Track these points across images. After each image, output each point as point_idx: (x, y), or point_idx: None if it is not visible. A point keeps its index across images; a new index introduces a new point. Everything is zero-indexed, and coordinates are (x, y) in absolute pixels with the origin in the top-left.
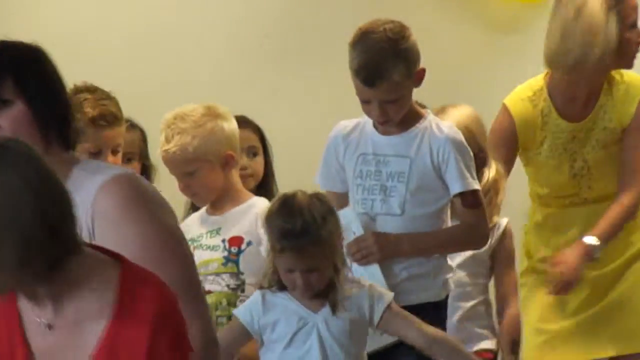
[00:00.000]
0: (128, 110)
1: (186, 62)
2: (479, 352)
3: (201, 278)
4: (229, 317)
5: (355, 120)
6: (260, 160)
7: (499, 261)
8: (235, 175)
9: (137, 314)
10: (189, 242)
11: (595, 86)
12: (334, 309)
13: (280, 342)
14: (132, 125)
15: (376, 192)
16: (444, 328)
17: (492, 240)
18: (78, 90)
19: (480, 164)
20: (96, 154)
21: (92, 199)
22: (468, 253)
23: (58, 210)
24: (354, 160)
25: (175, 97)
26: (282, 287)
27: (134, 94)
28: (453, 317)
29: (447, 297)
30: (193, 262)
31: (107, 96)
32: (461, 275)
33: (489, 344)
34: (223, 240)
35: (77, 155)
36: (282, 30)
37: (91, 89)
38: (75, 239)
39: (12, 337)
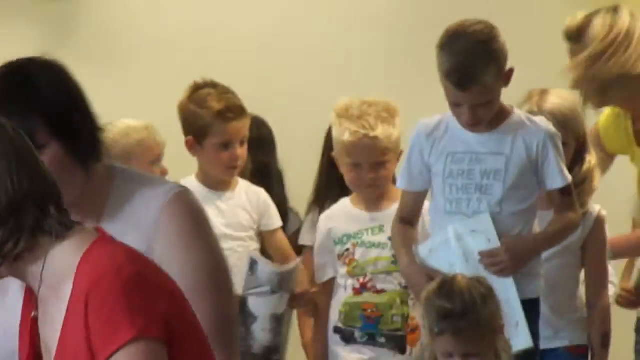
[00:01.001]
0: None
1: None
2: (570, 347)
3: (370, 277)
4: (404, 316)
5: (437, 117)
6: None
7: (591, 251)
8: None
9: (75, 295)
10: (342, 237)
11: None
12: None
13: None
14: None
15: (471, 191)
16: (537, 325)
17: (584, 229)
18: (199, 86)
19: (582, 149)
20: (226, 146)
21: (157, 218)
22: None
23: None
24: (443, 159)
25: (305, 91)
26: None
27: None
28: (543, 310)
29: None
30: (232, 295)
31: (229, 90)
32: (552, 265)
33: (579, 339)
34: (390, 238)
35: (106, 163)
36: (413, 23)
37: (212, 84)
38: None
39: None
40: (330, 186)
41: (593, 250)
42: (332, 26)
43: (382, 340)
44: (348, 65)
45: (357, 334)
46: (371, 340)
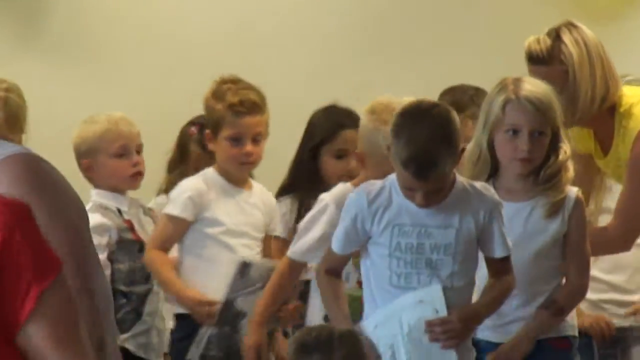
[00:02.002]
0: None
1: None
2: (552, 340)
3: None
4: None
5: (377, 183)
6: None
7: (573, 232)
8: None
9: None
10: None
11: None
12: None
13: None
14: None
15: (421, 266)
16: None
17: (564, 215)
18: (223, 81)
19: (557, 139)
20: (237, 141)
21: None
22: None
23: None
24: (388, 231)
25: (276, 86)
26: None
27: None
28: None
29: None
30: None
31: (250, 86)
32: (537, 257)
33: (562, 331)
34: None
35: None
36: (385, 19)
37: (235, 80)
38: None
39: None
40: (311, 179)
41: (574, 231)
42: (305, 19)
43: None
44: (320, 58)
45: None
46: None
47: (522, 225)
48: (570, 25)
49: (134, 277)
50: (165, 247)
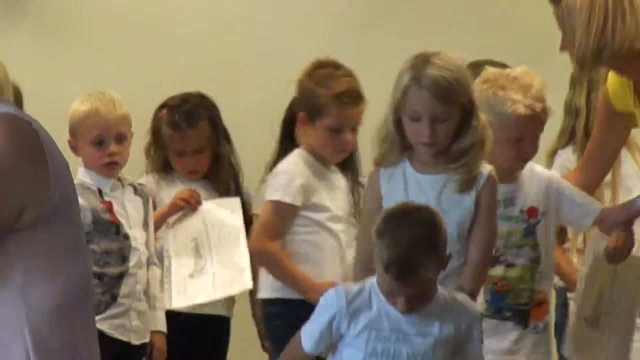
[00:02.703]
0: (211, 82)
1: (271, 33)
2: None
3: (503, 250)
4: (532, 290)
5: (356, 285)
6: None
7: (481, 210)
8: None
9: None
10: None
11: None
12: None
13: None
14: (191, 123)
15: None
16: None
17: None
18: (321, 64)
19: (470, 115)
20: (337, 130)
21: None
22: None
23: None
24: (365, 335)
25: (255, 66)
26: None
27: (217, 65)
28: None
29: None
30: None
31: (351, 73)
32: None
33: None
34: (521, 211)
35: None
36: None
37: (336, 64)
38: None
39: None
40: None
41: (481, 210)
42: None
43: (509, 314)
44: (298, 47)
45: (484, 307)
46: (497, 313)
47: (436, 198)
48: None
49: (107, 259)
50: (279, 236)
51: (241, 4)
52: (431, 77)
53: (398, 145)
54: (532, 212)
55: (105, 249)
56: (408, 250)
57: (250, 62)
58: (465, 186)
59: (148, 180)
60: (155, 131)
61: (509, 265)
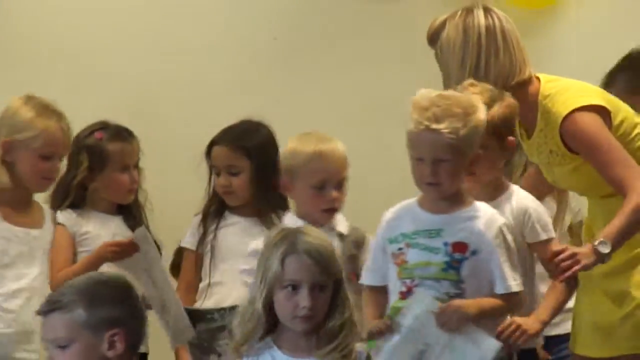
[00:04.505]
0: (135, 113)
1: (197, 64)
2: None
3: (417, 281)
4: None
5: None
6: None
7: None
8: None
9: None
10: (397, 237)
11: None
12: None
13: None
14: (132, 135)
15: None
16: None
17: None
18: None
19: (341, 294)
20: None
21: None
22: None
23: None
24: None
25: (186, 99)
26: None
27: (141, 96)
28: None
29: None
30: None
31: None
32: None
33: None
34: (445, 244)
35: None
36: (291, 31)
37: None
38: None
39: None
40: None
41: None
42: (216, 34)
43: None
44: (231, 74)
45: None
46: None
47: None
48: (464, 10)
49: None
50: None
51: (163, 35)
52: (309, 244)
53: (263, 325)
54: (458, 247)
55: None
56: None
57: (173, 94)
58: None
59: (67, 217)
60: (95, 156)
61: None
